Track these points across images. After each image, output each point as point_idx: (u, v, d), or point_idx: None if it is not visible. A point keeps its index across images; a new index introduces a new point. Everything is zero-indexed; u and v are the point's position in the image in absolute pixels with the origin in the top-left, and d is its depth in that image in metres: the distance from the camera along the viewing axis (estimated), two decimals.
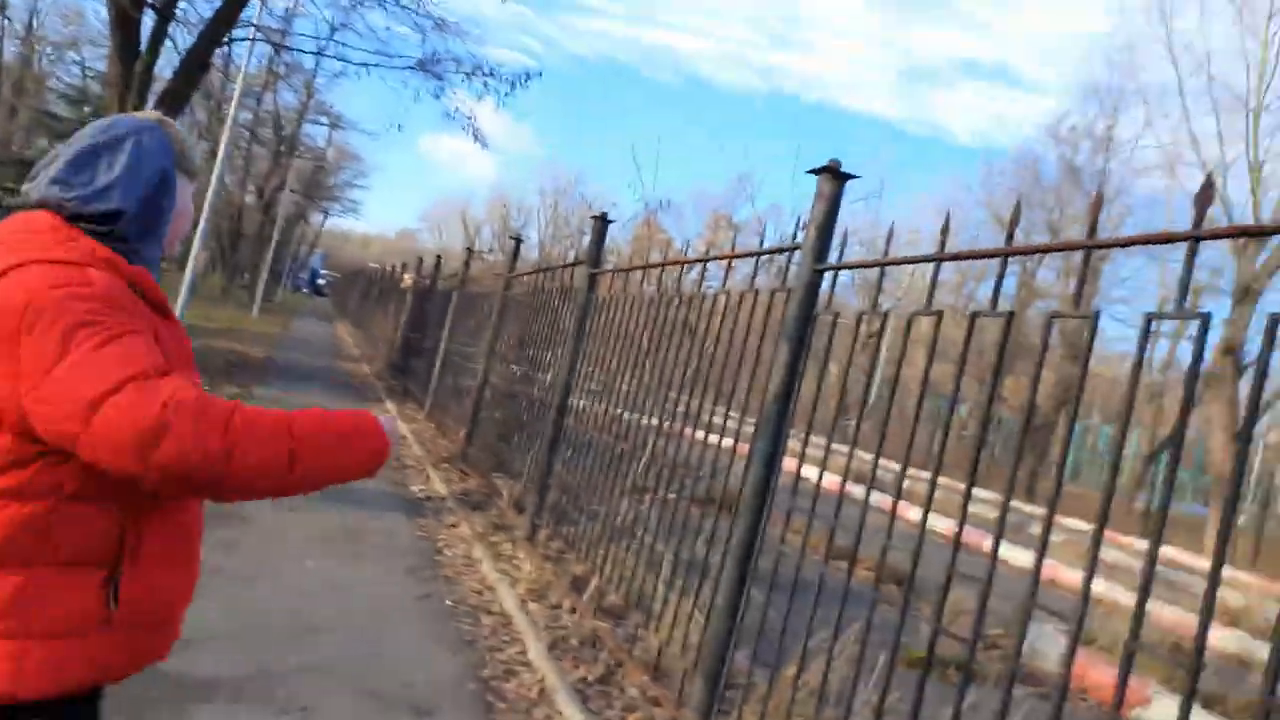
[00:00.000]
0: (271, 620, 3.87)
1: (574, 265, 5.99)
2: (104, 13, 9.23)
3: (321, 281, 57.56)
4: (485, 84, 11.35)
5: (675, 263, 4.30)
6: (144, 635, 1.31)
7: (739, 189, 29.99)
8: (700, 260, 4.06)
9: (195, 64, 9.85)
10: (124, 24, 8.97)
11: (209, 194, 12.01)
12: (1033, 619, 1.84)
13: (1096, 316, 1.88)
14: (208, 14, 10.02)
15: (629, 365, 4.74)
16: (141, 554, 1.27)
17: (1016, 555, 8.41)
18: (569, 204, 40.62)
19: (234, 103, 12.13)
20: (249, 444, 1.17)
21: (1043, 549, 1.80)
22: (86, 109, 13.96)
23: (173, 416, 1.13)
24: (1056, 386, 19.89)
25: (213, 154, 14.14)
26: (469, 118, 11.77)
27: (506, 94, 11.48)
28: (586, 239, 5.74)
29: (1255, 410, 1.54)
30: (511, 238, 8.27)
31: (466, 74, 11.27)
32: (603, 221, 5.56)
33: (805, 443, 2.86)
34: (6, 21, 27.33)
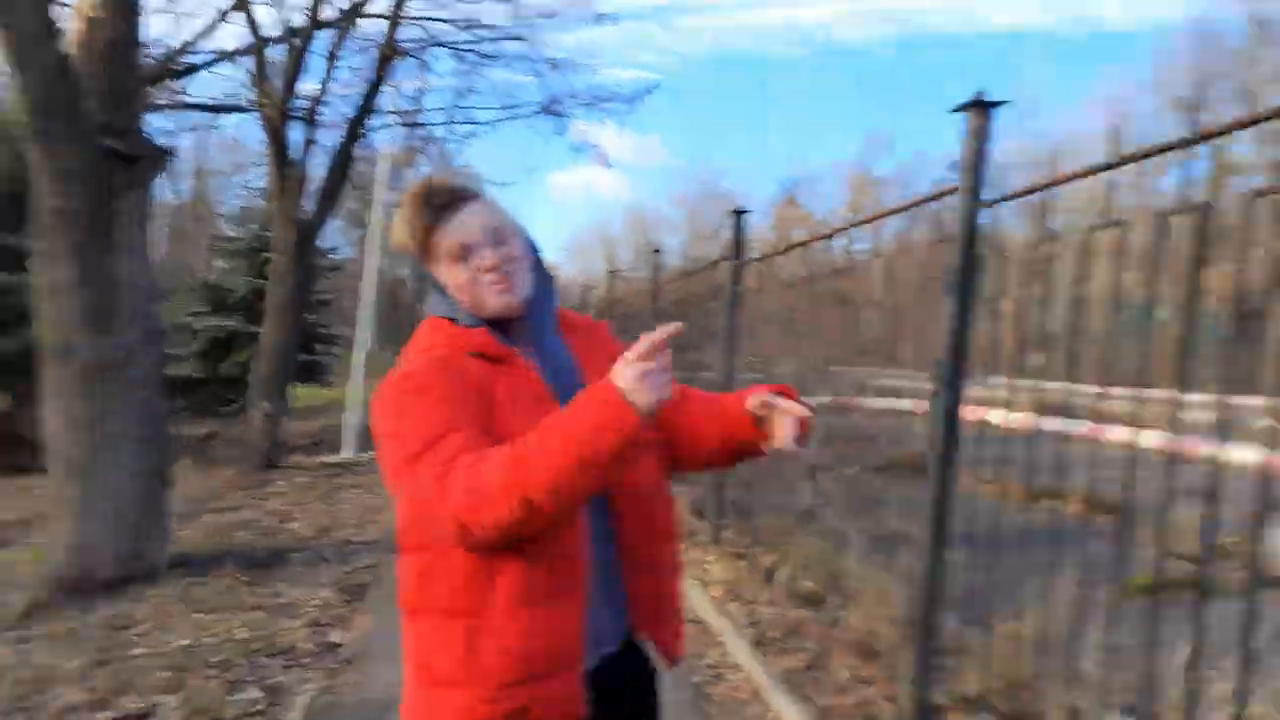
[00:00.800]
0: None
1: (716, 263, 6.02)
2: (259, 135, 10.24)
3: None
4: (605, 109, 11.70)
5: (817, 239, 4.24)
6: None
7: (874, 148, 28.97)
8: (841, 229, 3.98)
9: (342, 160, 10.75)
10: (275, 138, 9.92)
11: (368, 277, 12.91)
12: (1270, 519, 1.67)
13: None
14: (346, 111, 10.89)
15: (789, 348, 4.69)
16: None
17: (1243, 455, 7.39)
18: (708, 205, 40.38)
19: (378, 186, 13.02)
20: (473, 510, 1.26)
21: (1272, 437, 1.63)
22: (253, 226, 15.37)
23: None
24: (1272, 268, 17.17)
25: (365, 240, 15.16)
26: (594, 146, 12.16)
27: (626, 113, 11.79)
28: (727, 235, 5.75)
29: None
30: (653, 251, 8.41)
31: (585, 104, 11.65)
32: (738, 215, 5.57)
33: (984, 384, 2.73)
34: (177, 161, 31.23)
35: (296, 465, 10.10)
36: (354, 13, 10.47)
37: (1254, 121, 1.82)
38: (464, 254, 1.43)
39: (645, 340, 1.21)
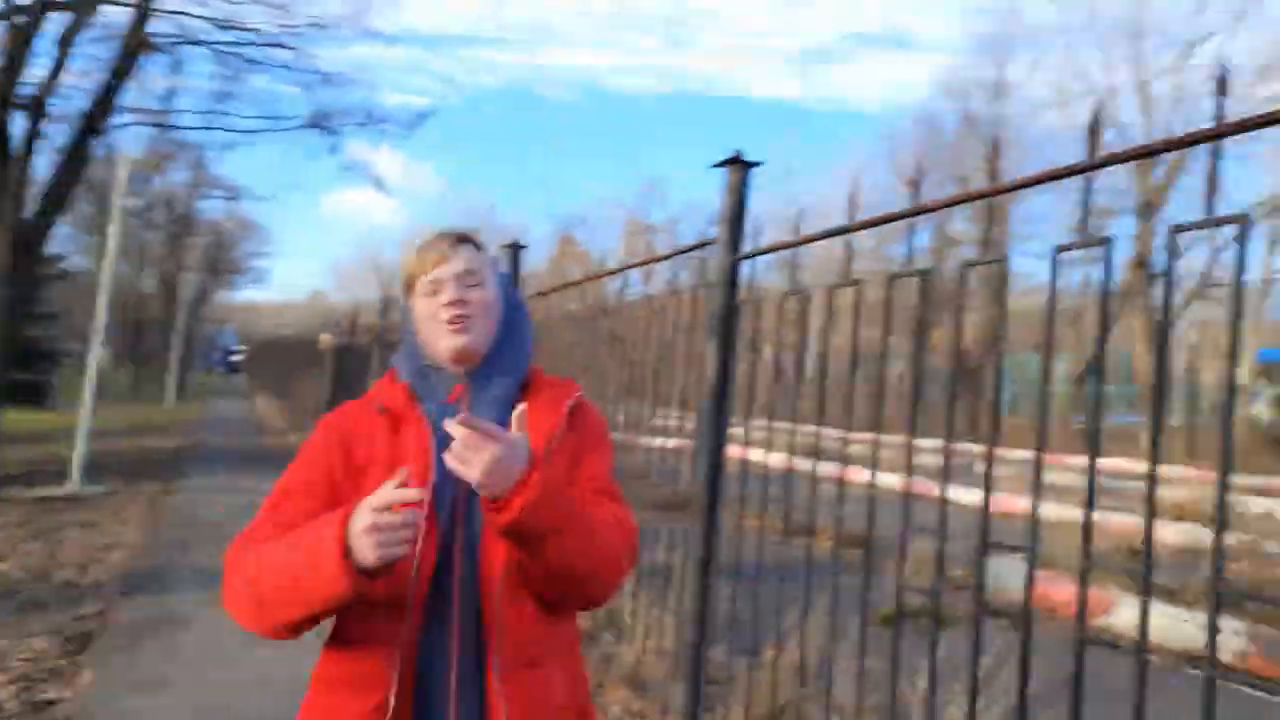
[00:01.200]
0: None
1: None
2: None
3: (235, 358, 56.16)
4: (381, 131, 11.30)
5: (593, 278, 4.32)
6: None
7: (648, 196, 30.31)
8: (617, 270, 4.08)
9: (74, 158, 9.51)
10: None
11: (102, 288, 11.44)
12: (994, 553, 1.89)
13: (1007, 260, 1.97)
14: (82, 104, 9.68)
15: None
16: None
17: (970, 496, 8.42)
18: (483, 237, 39.93)
19: (118, 190, 11.64)
20: (230, 590, 1.31)
21: (988, 481, 1.86)
22: None
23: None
24: (985, 329, 20.26)
25: (104, 247, 13.58)
26: (367, 167, 11.72)
27: (402, 137, 11.48)
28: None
29: (1167, 314, 1.63)
30: None
31: (359, 124, 11.18)
32: (515, 249, 5.55)
33: (746, 427, 2.90)
34: None
35: (9, 499, 8.70)
36: None
37: (964, 200, 2.08)
38: (433, 289, 1.43)
39: (383, 490, 1.16)
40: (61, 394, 13.33)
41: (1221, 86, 1.48)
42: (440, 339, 1.41)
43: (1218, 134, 1.47)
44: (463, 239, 1.48)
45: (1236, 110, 1.46)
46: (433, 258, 1.44)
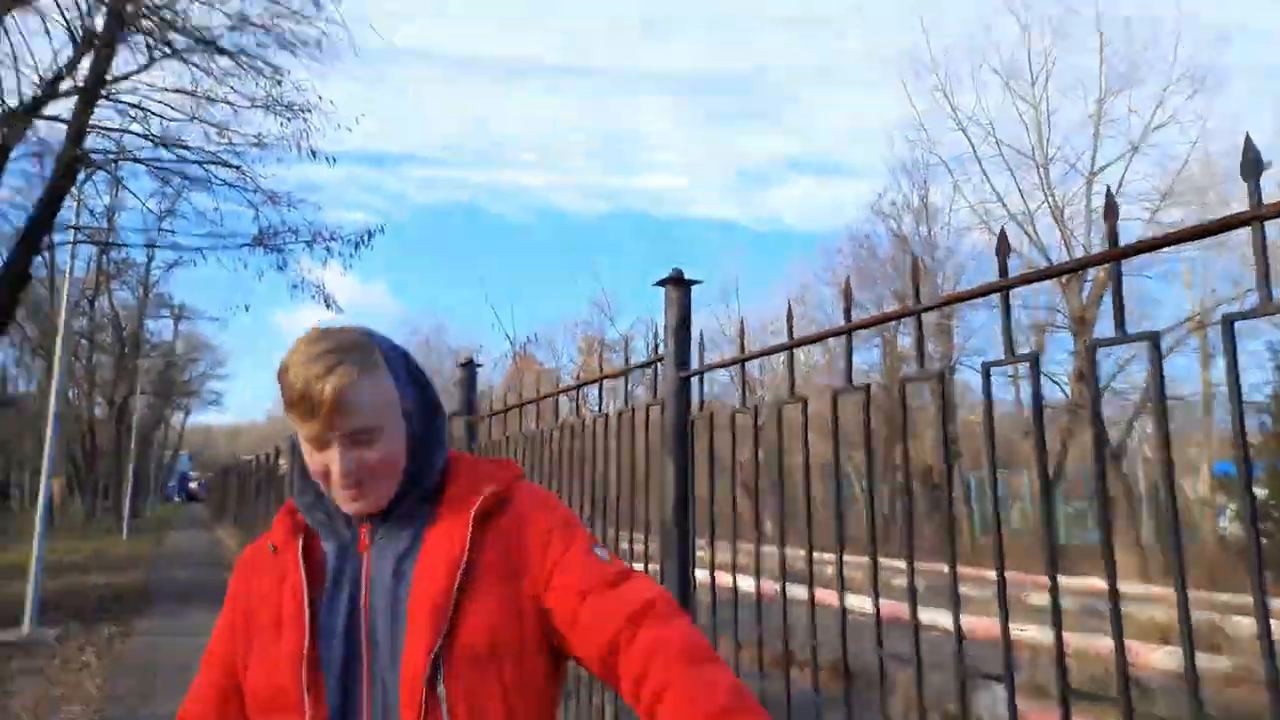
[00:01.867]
0: None
1: (451, 417, 5.88)
2: None
3: (193, 485, 54.57)
4: (328, 249, 11.33)
5: (545, 397, 4.27)
6: None
7: (599, 312, 30.52)
8: (571, 388, 4.04)
9: (13, 278, 9.37)
10: None
11: (50, 414, 11.07)
12: (980, 683, 1.83)
13: (944, 375, 1.96)
14: (20, 223, 9.62)
15: None
16: None
17: (946, 619, 7.81)
18: (435, 355, 39.45)
19: (63, 310, 11.41)
20: None
21: (955, 605, 1.80)
22: None
23: None
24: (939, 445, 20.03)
25: (49, 370, 13.26)
26: (317, 286, 11.65)
27: (351, 255, 11.50)
28: (456, 388, 5.64)
29: (1099, 425, 1.62)
30: None
31: (307, 243, 11.20)
32: (469, 368, 5.51)
33: (712, 548, 2.82)
34: None
35: None
36: (30, 112, 9.32)
37: (891, 318, 2.09)
38: (320, 445, 1.19)
39: None
40: (15, 530, 12.73)
41: (1111, 212, 1.52)
42: (336, 499, 1.22)
43: (1108, 257, 1.51)
44: (356, 372, 1.18)
45: (1142, 231, 1.49)
46: (318, 411, 1.16)
